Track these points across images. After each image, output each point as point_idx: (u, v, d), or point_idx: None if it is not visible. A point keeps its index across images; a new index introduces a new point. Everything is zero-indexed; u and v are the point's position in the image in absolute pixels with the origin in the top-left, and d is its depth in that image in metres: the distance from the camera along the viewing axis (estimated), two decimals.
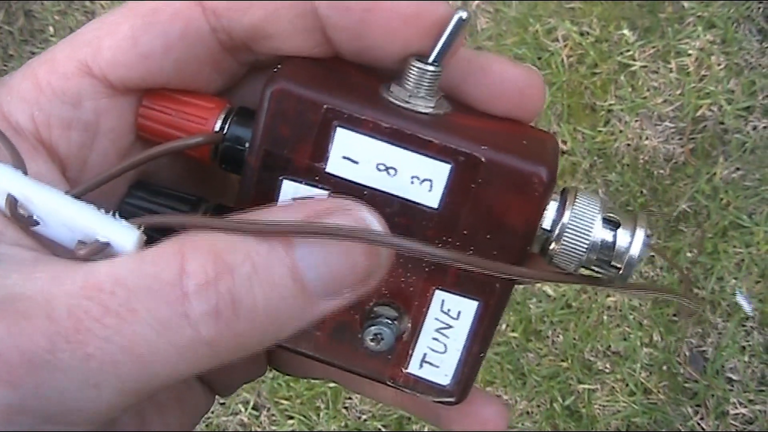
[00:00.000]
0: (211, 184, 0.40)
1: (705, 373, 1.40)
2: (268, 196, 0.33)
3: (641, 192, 1.46)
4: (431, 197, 0.33)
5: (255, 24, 0.33)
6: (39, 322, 0.27)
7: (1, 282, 0.28)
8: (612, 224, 0.34)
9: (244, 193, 0.34)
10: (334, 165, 0.33)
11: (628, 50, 1.51)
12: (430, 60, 0.33)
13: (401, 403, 0.43)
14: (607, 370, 1.41)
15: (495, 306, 0.35)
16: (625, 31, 1.52)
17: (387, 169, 0.32)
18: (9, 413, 0.27)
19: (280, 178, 0.33)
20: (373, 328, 0.35)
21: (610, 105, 1.49)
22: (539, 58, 1.52)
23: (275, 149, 0.33)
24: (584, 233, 0.33)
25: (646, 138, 1.48)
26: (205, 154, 0.35)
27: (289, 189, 0.33)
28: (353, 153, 0.32)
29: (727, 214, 1.43)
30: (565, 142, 1.48)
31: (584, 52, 1.52)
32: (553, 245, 0.33)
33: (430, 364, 0.36)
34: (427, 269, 0.35)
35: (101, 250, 0.30)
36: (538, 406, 1.41)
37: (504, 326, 1.43)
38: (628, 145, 1.48)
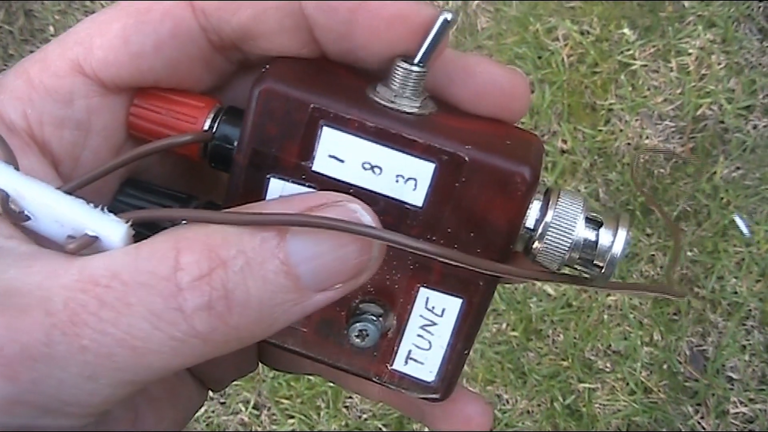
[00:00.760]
0: (200, 182, 0.40)
1: (705, 372, 1.40)
2: (256, 193, 0.34)
3: (642, 191, 1.46)
4: (416, 196, 0.33)
5: (244, 24, 0.34)
6: (36, 315, 0.27)
7: None
8: (594, 223, 0.34)
9: (232, 191, 0.34)
10: (321, 164, 0.33)
11: (629, 49, 1.51)
12: (416, 61, 0.33)
13: (387, 400, 0.43)
14: (607, 369, 1.41)
15: (479, 304, 0.35)
16: (626, 31, 1.52)
17: (372, 167, 0.33)
18: (8, 405, 0.27)
19: (268, 176, 0.34)
20: (358, 324, 0.35)
21: (611, 104, 1.49)
22: (539, 57, 1.52)
23: (263, 148, 0.33)
24: (567, 232, 0.33)
25: (647, 137, 1.48)
26: (194, 153, 0.35)
27: (277, 187, 0.34)
28: (339, 152, 0.33)
29: (727, 213, 1.43)
30: (565, 142, 1.48)
31: (585, 51, 1.52)
32: (536, 244, 0.34)
33: (415, 360, 0.37)
34: (412, 267, 0.35)
35: (90, 244, 0.30)
36: (539, 405, 1.41)
37: (504, 325, 1.43)
38: (629, 144, 1.48)
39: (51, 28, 1.64)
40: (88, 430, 0.31)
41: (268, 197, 0.34)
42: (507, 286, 1.41)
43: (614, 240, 0.33)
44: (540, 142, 0.36)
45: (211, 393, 0.44)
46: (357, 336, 0.35)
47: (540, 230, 0.34)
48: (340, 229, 0.30)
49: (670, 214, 1.45)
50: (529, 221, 0.34)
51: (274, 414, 1.43)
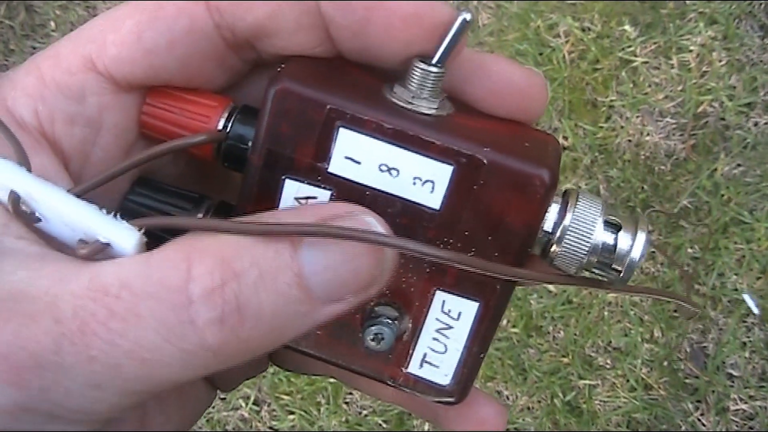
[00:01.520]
0: (213, 182, 0.40)
1: (706, 369, 1.40)
2: (270, 195, 0.33)
3: (642, 188, 1.46)
4: (433, 198, 0.33)
5: (258, 22, 0.33)
6: (45, 323, 0.27)
7: (7, 278, 0.28)
8: (613, 227, 0.34)
9: (246, 192, 0.34)
10: (337, 165, 0.33)
11: (630, 46, 1.51)
12: (434, 61, 0.33)
13: (400, 402, 0.43)
14: (607, 366, 1.41)
15: (495, 307, 0.35)
16: (627, 27, 1.52)
17: (389, 169, 0.33)
18: (16, 412, 0.27)
19: (283, 177, 0.33)
20: (373, 327, 0.35)
21: (612, 101, 1.49)
22: (540, 54, 1.52)
23: (278, 148, 0.33)
24: (585, 236, 0.33)
25: (648, 134, 1.48)
26: (208, 153, 0.35)
27: (291, 188, 0.33)
28: (356, 153, 0.32)
29: (728, 211, 1.43)
30: (566, 138, 1.48)
31: (586, 48, 1.51)
32: (554, 247, 0.34)
33: (430, 364, 0.36)
34: (428, 270, 0.35)
35: (102, 251, 0.30)
36: (539, 401, 1.42)
37: (505, 322, 1.43)
38: (630, 141, 1.48)
39: (52, 24, 1.63)
40: (95, 430, 0.31)
41: (282, 199, 0.34)
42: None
43: (633, 244, 0.33)
44: (557, 143, 0.35)
45: None
46: (372, 339, 0.35)
47: (558, 234, 0.33)
48: (357, 238, 0.30)
49: (670, 210, 1.45)
50: (548, 224, 0.33)
51: (274, 410, 1.43)
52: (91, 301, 0.27)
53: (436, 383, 0.37)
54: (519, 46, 1.52)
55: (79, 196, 0.31)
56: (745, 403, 1.38)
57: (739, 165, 1.46)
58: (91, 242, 0.30)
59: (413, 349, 0.36)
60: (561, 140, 1.48)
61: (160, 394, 0.29)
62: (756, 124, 1.48)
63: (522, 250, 0.33)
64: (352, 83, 0.34)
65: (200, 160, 0.36)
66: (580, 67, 1.51)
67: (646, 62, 1.50)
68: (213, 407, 1.43)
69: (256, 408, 1.44)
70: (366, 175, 0.33)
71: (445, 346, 0.36)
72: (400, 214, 0.33)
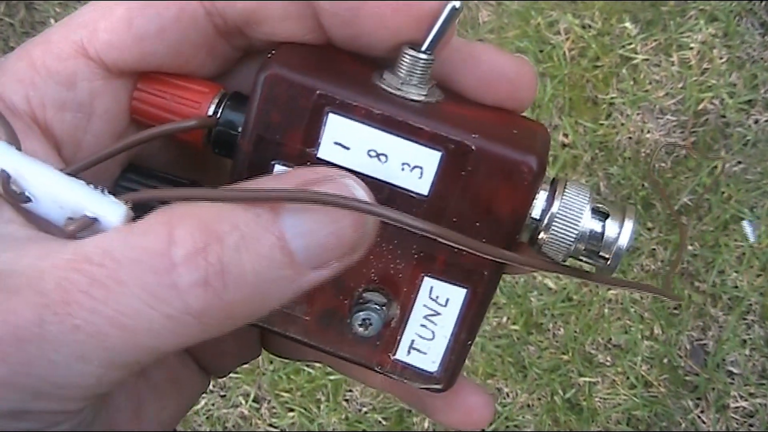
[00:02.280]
0: (204, 169, 0.40)
1: (706, 366, 1.40)
2: None
3: (642, 185, 1.46)
4: (421, 184, 0.33)
5: (248, 9, 0.33)
6: (27, 296, 0.27)
7: None
8: (601, 215, 0.34)
9: (236, 178, 0.34)
10: (326, 150, 0.33)
11: (630, 43, 1.51)
12: (423, 48, 0.33)
13: (389, 388, 0.43)
14: (607, 363, 1.41)
15: (483, 294, 0.35)
16: (627, 24, 1.52)
17: (378, 155, 0.33)
18: None
19: (272, 162, 0.33)
20: (361, 313, 0.35)
21: (612, 98, 1.49)
22: (541, 51, 1.52)
23: (267, 134, 0.33)
24: (573, 223, 0.33)
25: (648, 131, 1.48)
26: (198, 138, 0.35)
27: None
28: (345, 139, 0.33)
29: (728, 208, 1.43)
30: (566, 135, 1.48)
31: (586, 45, 1.51)
32: (541, 234, 0.34)
33: (418, 350, 0.36)
34: (416, 256, 0.35)
35: (89, 226, 0.30)
36: (539, 398, 1.42)
37: (505, 319, 1.43)
38: (630, 138, 1.48)
39: (52, 21, 1.63)
40: (89, 418, 0.31)
41: None
42: (508, 279, 1.41)
43: (621, 231, 0.33)
44: (546, 132, 0.35)
45: (211, 386, 0.43)
46: (360, 325, 0.35)
47: (546, 221, 0.33)
48: (334, 204, 0.29)
49: (672, 207, 1.45)
50: (535, 211, 0.34)
51: (274, 407, 1.43)
52: (73, 271, 0.27)
53: (423, 370, 0.37)
54: (519, 44, 1.52)
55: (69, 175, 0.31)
56: (745, 400, 1.38)
57: (739, 162, 1.46)
58: (79, 218, 0.30)
59: (401, 336, 0.36)
60: (561, 137, 1.48)
61: (154, 371, 0.29)
62: (756, 122, 1.48)
63: (510, 237, 0.34)
64: (342, 70, 0.34)
65: (191, 146, 0.36)
66: (581, 64, 1.51)
67: (647, 59, 1.50)
68: (213, 404, 1.44)
69: (255, 405, 1.44)
70: (355, 161, 0.33)
71: (433, 332, 0.36)
72: (389, 200, 0.33)
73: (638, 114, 1.49)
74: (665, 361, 1.40)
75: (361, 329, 0.35)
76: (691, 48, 1.50)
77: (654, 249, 1.44)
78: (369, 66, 0.35)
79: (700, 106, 1.49)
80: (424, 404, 0.41)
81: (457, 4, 0.32)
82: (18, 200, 0.30)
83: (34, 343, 0.27)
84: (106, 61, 0.34)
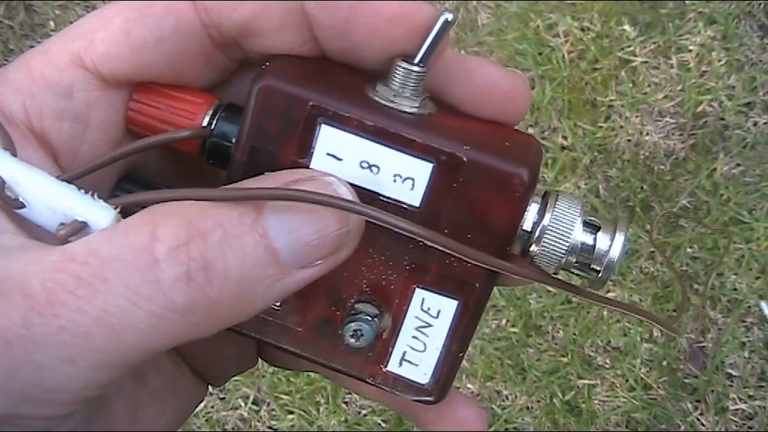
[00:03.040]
0: (198, 179, 0.40)
1: (705, 368, 1.40)
2: None
3: (641, 187, 1.46)
4: (413, 196, 0.33)
5: (244, 20, 0.34)
6: (14, 298, 0.27)
7: None
8: (592, 227, 0.34)
9: None
10: (318, 161, 0.33)
11: (629, 46, 1.51)
12: (416, 60, 0.33)
13: (382, 399, 0.43)
14: (607, 366, 1.42)
15: (474, 305, 0.35)
16: (626, 27, 1.52)
17: (370, 166, 0.33)
18: None
19: (266, 173, 0.33)
20: (353, 324, 0.35)
21: (611, 101, 1.49)
22: (540, 54, 1.52)
23: (261, 145, 0.33)
24: (564, 235, 0.33)
25: (647, 133, 1.48)
26: (193, 149, 0.35)
27: None
28: (337, 150, 0.33)
29: (727, 210, 1.43)
30: (565, 138, 1.48)
31: (585, 47, 1.51)
32: (533, 247, 0.34)
33: (410, 362, 0.37)
34: (408, 267, 0.35)
35: (79, 230, 0.30)
36: (538, 401, 1.42)
37: (504, 321, 1.43)
38: (629, 140, 1.48)
39: (51, 23, 1.63)
40: (83, 423, 0.31)
41: None
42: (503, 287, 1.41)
43: (612, 244, 0.33)
44: (539, 145, 0.36)
45: (210, 388, 0.44)
46: (352, 336, 0.35)
47: (537, 233, 0.33)
48: (316, 201, 0.30)
49: (669, 209, 1.45)
50: (527, 224, 0.34)
51: (273, 409, 1.44)
52: (58, 272, 0.27)
53: (415, 382, 0.37)
54: (518, 46, 1.52)
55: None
56: (744, 402, 1.38)
57: (738, 165, 1.46)
58: (69, 223, 0.30)
59: (393, 347, 0.36)
60: (560, 140, 1.48)
61: (152, 378, 0.29)
62: (755, 124, 1.48)
63: (501, 249, 0.34)
64: (335, 81, 0.34)
65: (186, 157, 0.36)
66: (580, 66, 1.51)
67: (646, 62, 1.50)
68: (212, 407, 1.44)
69: (255, 407, 1.44)
70: (347, 172, 0.33)
71: (425, 344, 0.36)
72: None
73: (637, 116, 1.49)
74: (664, 363, 1.40)
75: (352, 340, 0.35)
76: (690, 50, 1.50)
77: (653, 251, 1.44)
78: (362, 78, 0.35)
79: (699, 109, 1.49)
80: (416, 416, 0.41)
81: (450, 16, 0.32)
82: (12, 206, 0.31)
83: (20, 346, 0.27)
84: (103, 71, 0.34)
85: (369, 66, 0.35)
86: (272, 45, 0.35)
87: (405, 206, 0.33)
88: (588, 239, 0.34)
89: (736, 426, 1.38)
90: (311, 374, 1.42)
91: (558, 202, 0.34)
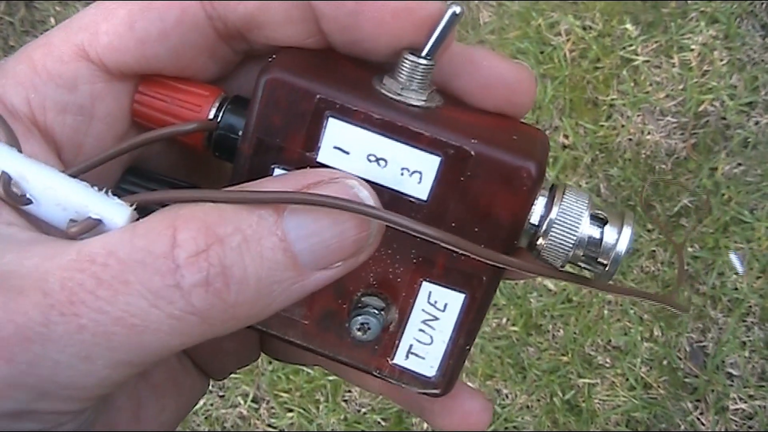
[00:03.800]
0: (204, 172, 0.40)
1: (705, 368, 1.40)
2: None
3: (642, 186, 1.46)
4: (420, 189, 0.33)
5: (249, 13, 0.33)
6: (33, 296, 0.27)
7: None
8: (599, 221, 0.34)
9: (235, 181, 0.34)
10: (326, 155, 0.33)
11: (631, 45, 1.51)
12: (423, 54, 0.33)
13: (387, 393, 0.43)
14: (607, 365, 1.42)
15: (481, 299, 0.35)
16: (628, 26, 1.52)
17: (377, 160, 0.33)
18: (4, 388, 0.27)
19: (272, 166, 0.33)
20: (360, 317, 0.35)
21: (613, 99, 1.49)
22: (542, 53, 1.52)
23: (268, 138, 0.33)
24: (572, 229, 0.33)
25: (648, 133, 1.48)
26: (198, 142, 0.35)
27: None
28: (344, 143, 0.33)
29: (728, 210, 1.43)
30: (567, 137, 1.48)
31: (587, 46, 1.51)
32: (540, 240, 0.34)
33: (416, 355, 0.37)
34: (414, 260, 0.35)
35: (93, 227, 0.30)
36: (538, 400, 1.42)
37: (504, 320, 1.43)
38: (630, 139, 1.48)
39: (52, 20, 1.63)
40: (91, 417, 0.31)
41: None
42: (508, 281, 1.41)
43: (619, 238, 0.33)
44: (545, 138, 0.35)
45: (210, 386, 0.44)
46: (358, 329, 0.35)
47: (544, 227, 0.33)
48: (337, 206, 0.30)
49: (670, 208, 1.45)
50: (534, 217, 0.34)
51: (273, 407, 1.43)
52: (78, 272, 0.28)
53: (421, 375, 0.37)
54: (520, 45, 1.52)
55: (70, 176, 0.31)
56: (745, 402, 1.38)
57: (739, 164, 1.46)
58: (82, 220, 0.30)
59: (399, 340, 0.36)
60: (562, 139, 1.48)
61: (154, 372, 0.29)
62: (757, 124, 1.48)
63: (508, 242, 0.34)
64: (342, 74, 0.34)
65: (192, 149, 0.36)
66: (581, 65, 1.51)
67: (647, 61, 1.50)
68: (211, 405, 1.44)
69: (254, 405, 1.44)
70: (354, 165, 0.33)
71: (431, 337, 0.36)
72: (388, 204, 0.33)
73: (639, 115, 1.49)
74: (665, 362, 1.40)
75: (359, 333, 0.35)
76: (692, 50, 1.50)
77: (654, 250, 1.44)
78: (369, 71, 0.35)
79: (701, 108, 1.49)
80: (421, 408, 0.41)
81: (458, 9, 0.32)
82: (19, 202, 0.30)
83: (39, 344, 0.27)
84: (108, 63, 0.34)
85: (376, 59, 0.34)
86: (278, 38, 0.34)
87: (412, 200, 0.33)
88: (595, 233, 0.34)
89: (736, 425, 1.38)
90: (311, 372, 1.42)
91: (565, 196, 0.34)
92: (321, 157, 0.33)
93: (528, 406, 1.42)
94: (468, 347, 0.36)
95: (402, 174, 0.33)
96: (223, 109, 0.35)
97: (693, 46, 1.50)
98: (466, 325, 0.36)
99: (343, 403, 1.43)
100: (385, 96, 0.33)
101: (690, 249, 1.43)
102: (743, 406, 1.38)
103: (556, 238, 0.33)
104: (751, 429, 1.38)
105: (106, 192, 0.31)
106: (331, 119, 0.32)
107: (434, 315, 0.36)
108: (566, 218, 0.33)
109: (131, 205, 0.31)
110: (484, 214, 0.33)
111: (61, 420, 0.29)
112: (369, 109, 0.32)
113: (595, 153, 1.48)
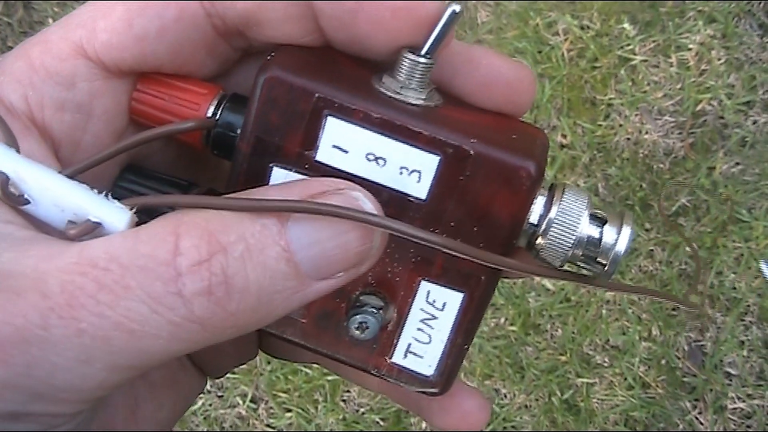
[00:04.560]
0: (202, 170, 0.40)
1: (703, 367, 1.40)
2: (258, 182, 0.34)
3: (641, 186, 1.46)
4: (419, 188, 0.33)
5: (248, 10, 0.33)
6: (32, 298, 0.27)
7: None
8: (599, 220, 0.34)
9: (234, 179, 0.34)
10: (324, 153, 0.33)
11: (629, 44, 1.51)
12: (423, 52, 0.33)
13: (385, 391, 0.43)
14: (605, 364, 1.42)
15: (480, 298, 0.35)
16: (626, 26, 1.52)
17: (376, 159, 0.33)
18: (0, 390, 0.27)
19: (270, 165, 0.33)
20: (358, 316, 0.35)
21: (610, 99, 1.49)
22: (539, 52, 1.52)
23: (266, 136, 0.33)
24: (571, 229, 0.33)
25: (646, 132, 1.48)
26: (197, 140, 0.35)
27: (279, 176, 0.34)
28: (343, 142, 0.33)
29: (726, 209, 1.43)
30: (564, 136, 1.48)
31: (585, 46, 1.51)
32: (539, 240, 0.34)
33: (414, 354, 0.37)
34: (413, 260, 0.35)
35: (92, 231, 0.30)
36: (537, 399, 1.42)
37: (503, 320, 1.43)
38: (628, 139, 1.48)
39: (50, 21, 1.63)
40: (87, 417, 0.31)
41: None
42: (506, 280, 1.41)
43: (618, 237, 0.33)
44: (545, 137, 0.35)
45: (208, 386, 0.44)
46: (357, 328, 0.35)
47: (543, 226, 0.33)
48: (342, 216, 0.30)
49: (669, 209, 1.45)
50: (533, 217, 0.34)
51: (271, 407, 1.43)
52: (79, 275, 0.28)
53: (419, 374, 0.37)
54: (518, 44, 1.52)
55: (68, 177, 0.31)
56: (743, 401, 1.38)
57: (737, 163, 1.46)
58: (81, 222, 0.30)
59: (398, 339, 0.36)
60: (559, 138, 1.48)
61: (148, 371, 0.29)
62: (755, 123, 1.48)
63: (508, 242, 0.34)
64: (341, 73, 0.34)
65: (190, 147, 0.36)
66: (579, 65, 1.51)
67: (645, 60, 1.50)
68: (210, 405, 1.43)
69: (253, 405, 1.44)
70: (353, 164, 0.33)
71: (430, 336, 0.36)
72: (387, 203, 0.33)
73: (636, 115, 1.49)
74: (663, 362, 1.40)
75: (357, 332, 0.35)
76: (690, 49, 1.50)
77: (652, 250, 1.44)
78: (368, 69, 0.35)
79: (699, 107, 1.49)
80: (420, 407, 0.41)
81: (457, 7, 0.32)
82: (17, 202, 0.30)
83: (37, 346, 0.27)
84: (106, 61, 0.33)
85: (375, 57, 0.34)
86: (276, 35, 0.34)
87: (411, 199, 0.33)
88: (594, 232, 0.34)
89: (735, 425, 1.38)
90: (309, 372, 1.42)
91: (564, 195, 0.34)
92: (320, 156, 0.33)
93: (526, 406, 1.42)
94: (466, 346, 0.36)
95: (401, 173, 0.33)
96: (221, 107, 0.35)
97: (690, 46, 1.50)
98: (465, 324, 0.36)
99: (342, 403, 1.43)
100: (384, 95, 0.33)
101: (687, 249, 1.43)
102: (741, 405, 1.38)
103: (556, 237, 0.33)
104: (750, 428, 1.38)
105: (106, 195, 0.31)
106: (329, 118, 0.32)
107: (432, 314, 0.36)
108: (565, 218, 0.33)
109: (131, 209, 0.31)
110: (483, 214, 0.33)
111: (57, 422, 0.29)
112: (368, 108, 0.32)
113: (593, 152, 1.48)
